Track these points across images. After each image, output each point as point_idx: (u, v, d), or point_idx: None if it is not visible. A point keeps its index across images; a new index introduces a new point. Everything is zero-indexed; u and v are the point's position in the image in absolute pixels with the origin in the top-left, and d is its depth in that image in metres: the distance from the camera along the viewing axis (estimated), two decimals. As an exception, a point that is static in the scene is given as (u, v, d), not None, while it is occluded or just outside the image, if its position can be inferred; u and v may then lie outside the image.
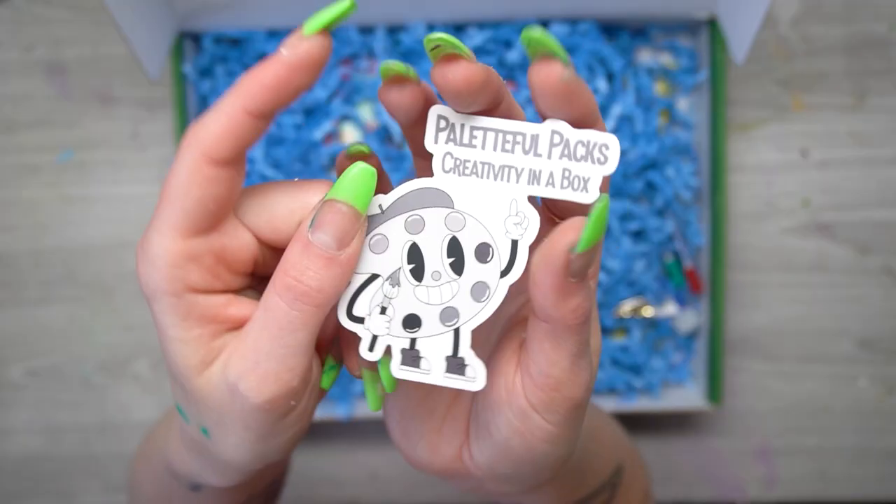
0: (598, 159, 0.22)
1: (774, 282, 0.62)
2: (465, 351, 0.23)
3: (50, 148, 0.62)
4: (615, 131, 0.58)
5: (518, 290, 0.26)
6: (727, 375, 0.63)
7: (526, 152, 0.22)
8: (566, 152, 0.22)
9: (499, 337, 0.26)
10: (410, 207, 0.23)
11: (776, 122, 0.61)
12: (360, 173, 0.22)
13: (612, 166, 0.22)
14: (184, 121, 0.56)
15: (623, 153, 0.58)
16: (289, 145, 0.57)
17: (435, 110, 0.23)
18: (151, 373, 0.63)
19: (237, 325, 0.23)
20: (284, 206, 0.23)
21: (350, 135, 0.59)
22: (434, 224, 0.23)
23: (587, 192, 0.22)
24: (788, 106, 0.61)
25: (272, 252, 0.24)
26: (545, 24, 0.57)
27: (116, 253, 0.62)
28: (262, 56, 0.58)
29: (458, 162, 0.23)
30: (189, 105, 0.57)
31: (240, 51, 0.58)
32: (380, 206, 0.23)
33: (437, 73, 0.21)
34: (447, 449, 0.27)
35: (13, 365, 0.63)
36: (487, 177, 0.23)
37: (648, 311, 0.60)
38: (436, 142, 0.23)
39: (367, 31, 0.58)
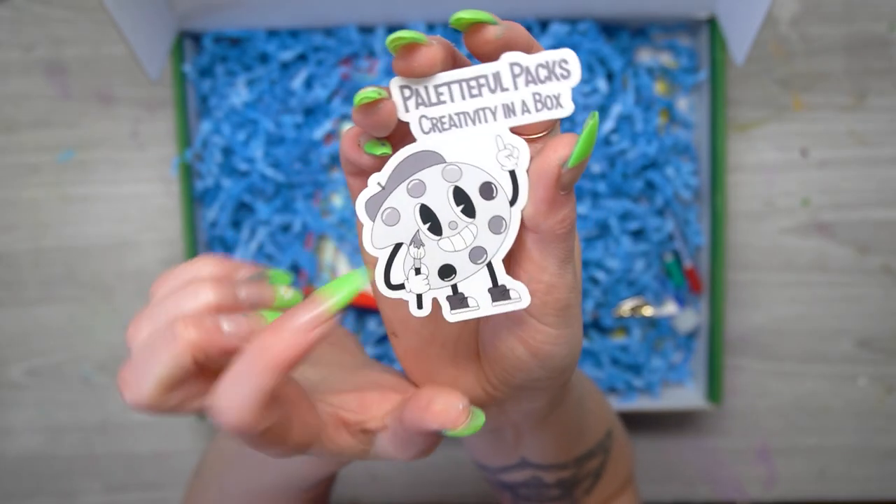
0: (562, 75, 0.23)
1: (774, 281, 0.62)
2: (504, 278, 0.25)
3: (50, 148, 0.62)
4: (615, 131, 0.58)
5: None
6: (727, 375, 0.63)
7: (493, 91, 0.23)
8: (530, 78, 0.23)
9: None
10: (407, 175, 0.24)
11: (776, 121, 0.61)
12: (352, 291, 0.24)
13: (576, 78, 0.23)
14: (184, 120, 0.56)
15: (623, 153, 0.58)
16: (289, 145, 0.57)
17: (395, 82, 0.23)
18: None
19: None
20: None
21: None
22: (434, 182, 0.24)
23: (562, 107, 0.23)
24: (788, 106, 0.61)
25: None
26: (545, 24, 0.57)
27: (116, 253, 0.62)
28: (262, 56, 0.58)
29: (434, 121, 0.24)
30: (189, 105, 0.57)
31: (240, 51, 0.58)
32: (378, 183, 0.24)
33: (400, 66, 0.23)
34: (466, 378, 0.29)
35: (13, 365, 0.63)
36: (466, 124, 0.24)
37: (648, 311, 0.60)
38: (407, 110, 0.24)
39: (367, 30, 0.58)
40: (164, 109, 0.61)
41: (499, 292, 0.25)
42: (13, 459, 0.64)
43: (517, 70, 0.23)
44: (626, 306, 0.59)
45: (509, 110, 0.24)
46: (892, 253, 0.62)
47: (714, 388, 0.58)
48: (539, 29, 0.57)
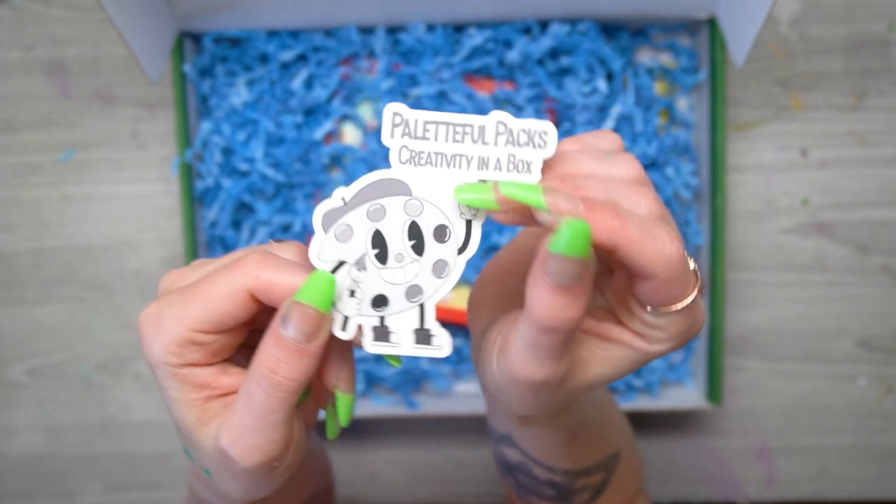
0: (539, 144, 0.24)
1: (774, 281, 0.62)
2: (431, 323, 0.26)
3: (50, 147, 0.62)
4: (615, 131, 0.58)
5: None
6: (726, 375, 0.63)
7: (475, 141, 0.25)
8: (510, 139, 0.24)
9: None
10: (371, 197, 0.25)
11: (776, 121, 0.61)
12: (325, 283, 0.25)
13: (551, 150, 0.24)
14: (184, 120, 0.56)
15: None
16: (289, 145, 0.57)
17: (390, 108, 0.25)
18: (151, 372, 0.63)
19: (228, 392, 0.27)
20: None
21: (350, 134, 0.59)
22: (394, 211, 0.25)
23: (530, 173, 0.25)
24: (788, 106, 0.61)
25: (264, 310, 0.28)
26: (545, 24, 0.57)
27: (116, 252, 0.62)
28: (262, 56, 0.58)
29: (413, 153, 0.25)
30: (189, 105, 0.57)
31: (240, 51, 0.58)
32: (342, 198, 0.25)
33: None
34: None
35: (14, 364, 0.63)
36: (441, 165, 0.25)
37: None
38: (392, 136, 0.25)
39: (367, 31, 0.58)
40: (164, 109, 0.61)
41: (423, 335, 0.26)
42: (13, 459, 0.64)
43: (501, 129, 0.24)
44: (626, 306, 0.59)
45: (483, 163, 0.25)
46: (892, 253, 0.62)
47: (714, 388, 0.58)
48: (539, 29, 0.57)
